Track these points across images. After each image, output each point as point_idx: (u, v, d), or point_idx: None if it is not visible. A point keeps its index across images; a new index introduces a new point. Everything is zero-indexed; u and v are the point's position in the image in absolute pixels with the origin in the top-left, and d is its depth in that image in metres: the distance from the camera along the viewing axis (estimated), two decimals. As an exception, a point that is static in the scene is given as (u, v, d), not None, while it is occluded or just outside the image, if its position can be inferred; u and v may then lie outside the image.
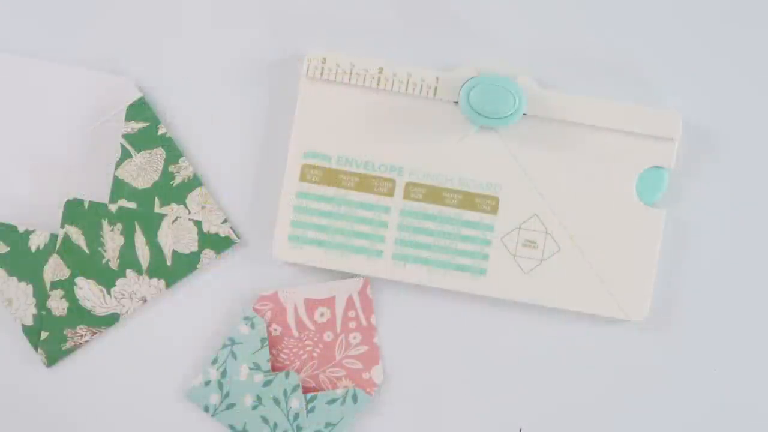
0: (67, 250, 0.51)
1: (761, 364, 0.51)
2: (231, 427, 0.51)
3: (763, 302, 0.51)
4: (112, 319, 0.51)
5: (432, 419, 0.52)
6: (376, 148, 0.51)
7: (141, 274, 0.51)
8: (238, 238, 0.52)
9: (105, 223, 0.51)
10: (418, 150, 0.51)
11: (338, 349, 0.51)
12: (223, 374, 0.51)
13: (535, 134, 0.50)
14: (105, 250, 0.51)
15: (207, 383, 0.51)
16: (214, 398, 0.51)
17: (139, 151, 0.51)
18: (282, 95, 0.52)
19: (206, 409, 0.51)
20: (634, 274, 0.50)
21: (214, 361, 0.51)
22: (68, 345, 0.51)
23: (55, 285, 0.51)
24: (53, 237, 0.51)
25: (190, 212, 0.51)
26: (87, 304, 0.51)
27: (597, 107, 0.50)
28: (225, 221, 0.51)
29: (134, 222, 0.51)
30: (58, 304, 0.51)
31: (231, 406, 0.51)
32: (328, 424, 0.51)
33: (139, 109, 0.51)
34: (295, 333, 0.51)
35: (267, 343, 0.51)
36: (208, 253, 0.51)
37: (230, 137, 0.52)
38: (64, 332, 0.51)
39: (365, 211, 0.51)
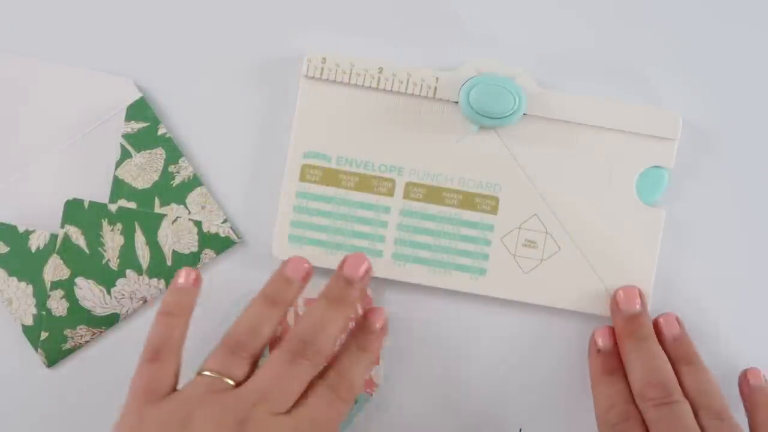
0: (67, 250, 0.51)
1: (760, 364, 0.51)
2: (231, 427, 0.51)
3: (762, 302, 0.51)
4: (112, 319, 0.51)
5: (432, 419, 0.52)
6: (375, 148, 0.51)
7: (141, 274, 0.51)
8: (238, 238, 0.52)
9: (105, 223, 0.51)
10: (418, 150, 0.51)
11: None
12: (223, 374, 0.51)
13: (535, 134, 0.50)
14: (105, 250, 0.51)
15: (207, 383, 0.51)
16: (214, 398, 0.51)
17: (139, 151, 0.51)
18: (282, 95, 0.52)
19: (206, 409, 0.51)
20: (633, 273, 0.50)
21: (214, 361, 0.51)
22: (68, 345, 0.51)
23: (55, 285, 0.51)
24: (53, 237, 0.51)
25: (190, 212, 0.51)
26: (87, 304, 0.51)
27: (597, 107, 0.50)
28: (225, 221, 0.51)
29: (134, 222, 0.51)
30: (58, 304, 0.51)
31: (231, 405, 0.51)
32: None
33: (139, 109, 0.51)
34: (295, 333, 0.51)
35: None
36: (208, 253, 0.51)
37: (230, 137, 0.52)
38: (64, 332, 0.51)
39: (365, 211, 0.51)
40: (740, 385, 0.50)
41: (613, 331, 0.50)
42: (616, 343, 0.50)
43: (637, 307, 0.49)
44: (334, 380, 0.46)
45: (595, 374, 0.50)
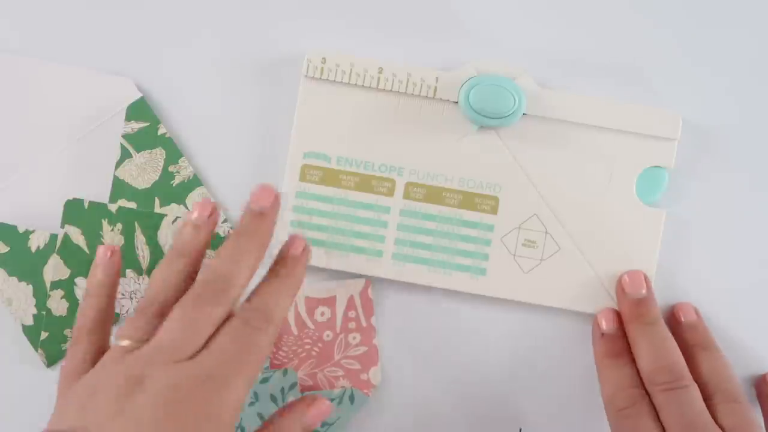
0: (67, 250, 0.51)
1: (761, 364, 0.51)
2: (229, 425, 0.51)
3: (763, 301, 0.51)
4: (112, 319, 0.51)
5: (430, 419, 0.52)
6: (376, 148, 0.51)
7: (141, 274, 0.51)
8: (238, 238, 0.52)
9: (105, 222, 0.51)
10: (418, 150, 0.51)
11: (337, 349, 0.51)
12: (223, 373, 0.51)
13: (535, 134, 0.50)
14: (105, 250, 0.51)
15: (207, 382, 0.51)
16: (213, 397, 0.51)
17: (139, 151, 0.51)
18: (282, 95, 0.52)
19: (206, 409, 0.51)
20: (634, 274, 0.50)
21: (214, 360, 0.51)
22: (68, 345, 0.51)
23: (55, 285, 0.51)
24: (53, 237, 0.51)
25: (190, 212, 0.51)
26: (87, 304, 0.51)
27: (597, 107, 0.50)
28: (225, 221, 0.51)
29: (134, 222, 0.51)
30: (58, 304, 0.51)
31: (229, 404, 0.51)
32: (324, 424, 0.51)
33: (139, 109, 0.51)
34: (295, 331, 0.51)
35: (267, 341, 0.51)
36: (208, 253, 0.51)
37: (230, 137, 0.52)
38: (64, 332, 0.51)
39: (365, 211, 0.51)
40: (758, 386, 0.51)
41: (616, 314, 0.50)
42: (620, 326, 0.50)
43: (643, 291, 0.49)
44: (247, 311, 0.43)
45: (600, 358, 0.49)
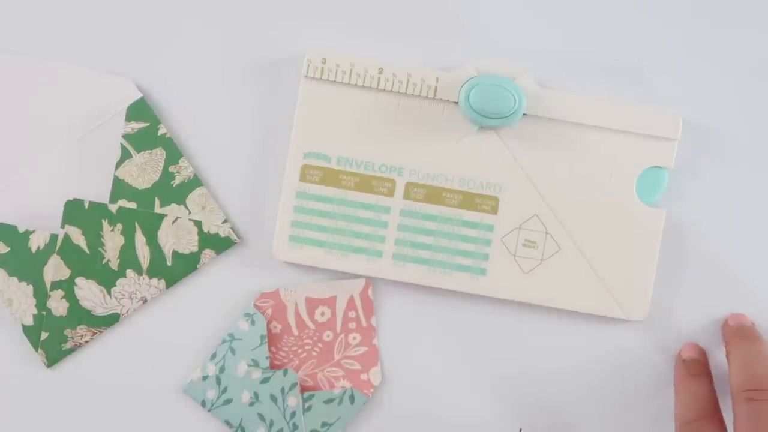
0: (67, 250, 0.51)
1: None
2: (227, 422, 0.51)
3: (762, 302, 0.51)
4: (112, 319, 0.51)
5: (430, 420, 0.52)
6: (376, 148, 0.51)
7: (141, 274, 0.51)
8: (238, 238, 0.52)
9: (105, 223, 0.51)
10: (418, 150, 0.51)
11: (337, 349, 0.51)
12: (222, 369, 0.51)
13: (535, 134, 0.50)
14: (105, 250, 0.51)
15: (205, 378, 0.51)
16: (211, 393, 0.51)
17: (139, 151, 0.51)
18: (282, 95, 0.52)
19: (203, 404, 0.51)
20: (634, 274, 0.50)
21: (213, 356, 0.51)
22: (68, 345, 0.51)
23: (55, 285, 0.51)
24: (53, 237, 0.51)
25: (190, 212, 0.51)
26: (87, 304, 0.51)
27: (597, 107, 0.50)
28: (225, 221, 0.51)
29: (134, 222, 0.51)
30: (58, 304, 0.51)
31: (228, 401, 0.51)
32: (324, 424, 0.51)
33: (139, 109, 0.51)
34: (295, 331, 0.51)
35: (266, 340, 0.51)
36: (208, 253, 0.51)
37: (230, 137, 0.52)
38: (64, 332, 0.51)
39: (365, 211, 0.51)
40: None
41: (698, 347, 0.50)
42: (702, 357, 0.50)
43: (749, 321, 0.50)
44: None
45: (679, 378, 0.50)
